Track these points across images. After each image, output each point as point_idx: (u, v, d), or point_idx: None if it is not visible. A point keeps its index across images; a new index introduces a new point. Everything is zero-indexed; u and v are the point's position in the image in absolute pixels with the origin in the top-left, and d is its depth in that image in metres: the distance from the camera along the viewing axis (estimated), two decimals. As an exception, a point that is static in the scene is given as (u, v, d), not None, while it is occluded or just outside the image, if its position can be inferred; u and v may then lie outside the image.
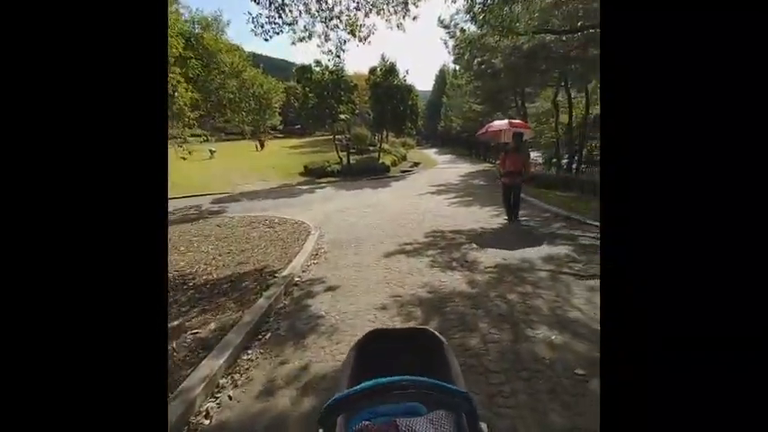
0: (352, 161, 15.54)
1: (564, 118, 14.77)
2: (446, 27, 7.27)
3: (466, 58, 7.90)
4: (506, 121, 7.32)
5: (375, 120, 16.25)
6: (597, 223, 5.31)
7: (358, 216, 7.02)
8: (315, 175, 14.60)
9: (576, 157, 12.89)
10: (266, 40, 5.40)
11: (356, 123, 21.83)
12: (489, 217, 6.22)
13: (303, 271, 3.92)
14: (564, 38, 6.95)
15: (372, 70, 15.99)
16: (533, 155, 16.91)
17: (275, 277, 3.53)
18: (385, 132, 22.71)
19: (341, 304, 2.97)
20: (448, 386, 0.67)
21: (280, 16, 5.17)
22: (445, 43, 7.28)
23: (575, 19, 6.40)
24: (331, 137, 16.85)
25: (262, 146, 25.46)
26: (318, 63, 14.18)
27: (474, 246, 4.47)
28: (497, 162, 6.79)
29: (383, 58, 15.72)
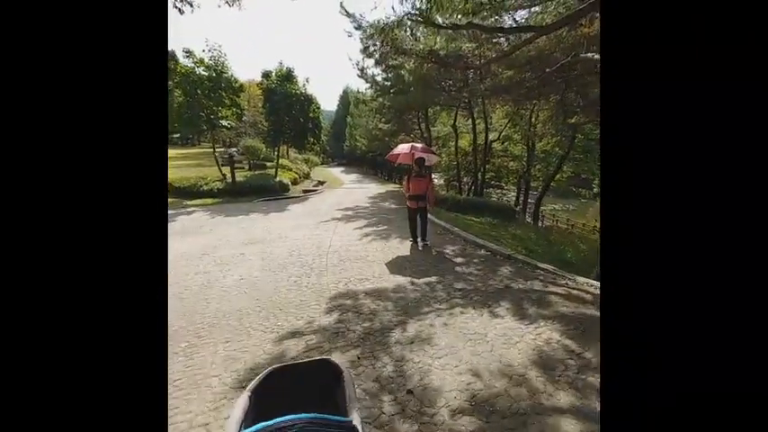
0: (240, 178, 12.20)
1: (462, 142, 15.02)
2: (350, 15, 5.48)
3: (375, 57, 6.31)
4: (410, 144, 6.15)
5: (271, 131, 13.37)
6: (546, 266, 4.10)
7: (225, 264, 4.34)
8: (185, 195, 10.73)
9: (480, 180, 12.87)
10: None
11: (249, 134, 18.23)
12: (418, 258, 4.47)
13: None
14: (478, 49, 5.99)
15: (266, 74, 13.20)
16: (434, 176, 16.85)
17: None
18: (285, 147, 19.78)
19: None
20: (331, 417, 0.65)
21: None
22: (350, 35, 5.50)
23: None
24: (219, 148, 13.12)
25: (117, 155, 18.93)
26: (189, 53, 10.66)
27: (410, 332, 2.51)
28: (403, 184, 5.82)
29: (280, 64, 13.19)
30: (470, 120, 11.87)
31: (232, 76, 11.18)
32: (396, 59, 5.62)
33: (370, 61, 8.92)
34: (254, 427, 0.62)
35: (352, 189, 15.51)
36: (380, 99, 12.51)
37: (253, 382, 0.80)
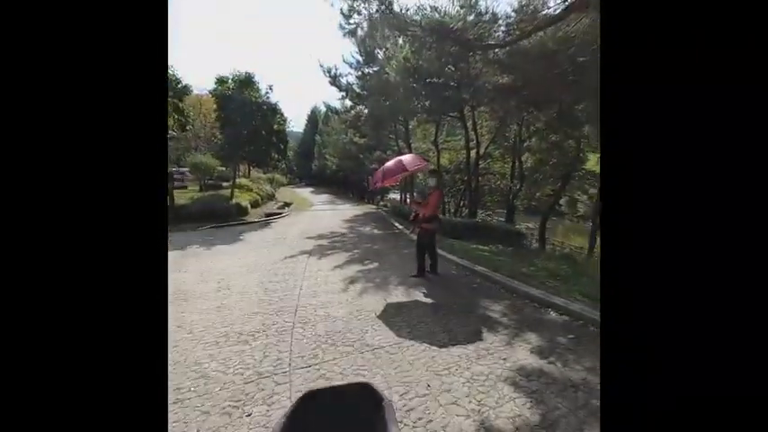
0: (183, 201, 9.58)
1: (442, 160, 13.67)
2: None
3: (361, 30, 4.57)
4: (397, 159, 4.46)
5: (225, 145, 10.99)
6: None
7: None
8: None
9: (472, 201, 11.39)
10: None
11: (200, 149, 15.46)
12: (451, 330, 2.51)
13: None
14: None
15: (221, 80, 10.97)
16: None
17: None
18: (247, 166, 17.18)
19: None
20: None
21: None
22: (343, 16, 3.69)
23: None
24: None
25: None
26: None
27: None
28: (419, 204, 4.19)
29: (237, 71, 11.01)
30: (462, 131, 10.50)
31: (173, 75, 8.86)
32: (389, 36, 3.92)
33: (345, 68, 7.25)
34: None
35: (323, 211, 13.32)
36: (356, 109, 10.81)
37: (289, 407, 0.75)
